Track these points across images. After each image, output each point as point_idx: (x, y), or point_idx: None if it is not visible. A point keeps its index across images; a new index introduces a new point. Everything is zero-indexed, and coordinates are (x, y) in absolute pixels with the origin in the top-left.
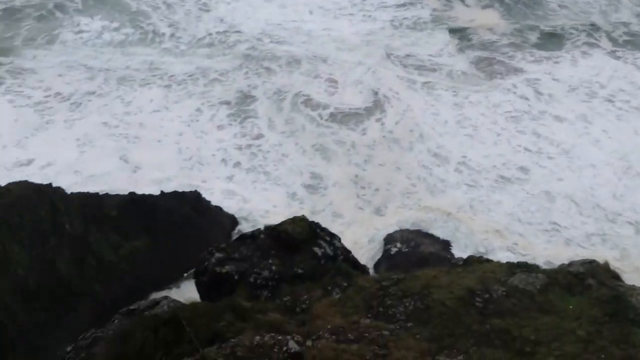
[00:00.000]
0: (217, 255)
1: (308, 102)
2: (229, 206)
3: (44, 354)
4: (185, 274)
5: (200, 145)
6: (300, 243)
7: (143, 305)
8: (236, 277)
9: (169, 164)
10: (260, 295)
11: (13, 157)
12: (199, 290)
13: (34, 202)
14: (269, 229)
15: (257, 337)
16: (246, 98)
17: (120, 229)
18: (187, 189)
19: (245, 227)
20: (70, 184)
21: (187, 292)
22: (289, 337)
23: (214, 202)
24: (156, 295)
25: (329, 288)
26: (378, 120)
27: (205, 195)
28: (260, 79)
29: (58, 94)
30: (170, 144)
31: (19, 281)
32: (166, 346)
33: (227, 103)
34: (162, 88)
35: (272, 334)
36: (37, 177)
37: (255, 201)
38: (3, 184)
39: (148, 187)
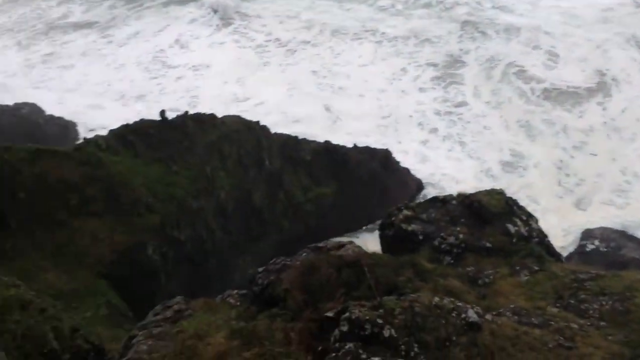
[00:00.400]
0: (405, 212)
1: (521, 73)
2: (418, 169)
3: (231, 270)
4: (364, 227)
5: (399, 104)
6: (493, 216)
7: (330, 244)
8: (420, 238)
9: (367, 119)
10: (442, 260)
11: (232, 93)
12: (381, 243)
13: (243, 136)
14: (462, 197)
15: (436, 299)
16: (455, 62)
17: (311, 173)
18: (380, 146)
19: (430, 193)
20: (275, 123)
21: (364, 243)
22: (469, 305)
23: (404, 164)
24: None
25: (517, 268)
26: (600, 104)
27: (397, 155)
28: (474, 43)
29: (277, 39)
30: (372, 100)
31: (221, 203)
32: (347, 286)
33: (434, 65)
34: (373, 44)
35: (452, 299)
36: (249, 113)
37: (446, 170)
38: (220, 115)
39: (344, 137)
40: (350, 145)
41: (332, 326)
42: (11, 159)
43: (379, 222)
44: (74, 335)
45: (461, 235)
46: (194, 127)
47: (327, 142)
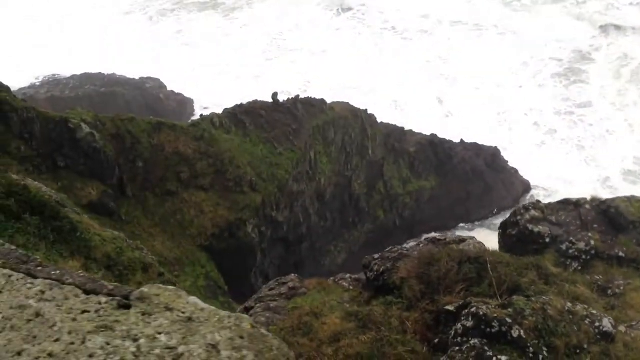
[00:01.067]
0: (533, 212)
1: None
2: (529, 171)
3: (322, 254)
4: (461, 224)
5: (515, 100)
6: (629, 224)
7: (450, 237)
8: (547, 240)
9: (479, 114)
10: (568, 266)
11: (344, 79)
12: (501, 243)
13: (349, 123)
14: (597, 201)
15: (569, 304)
16: (582, 59)
17: (413, 166)
18: (490, 144)
19: (538, 196)
20: (384, 112)
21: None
22: (604, 315)
23: (514, 164)
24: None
25: None
26: None
27: (507, 154)
28: (606, 40)
29: (393, 27)
30: (486, 94)
31: (320, 188)
32: (467, 282)
33: (558, 60)
34: (493, 36)
35: (585, 306)
36: (358, 100)
37: (560, 176)
38: (329, 101)
39: (453, 131)
40: (457, 140)
41: (451, 320)
42: (134, 129)
43: (477, 222)
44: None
45: (592, 242)
46: (303, 111)
47: (433, 136)
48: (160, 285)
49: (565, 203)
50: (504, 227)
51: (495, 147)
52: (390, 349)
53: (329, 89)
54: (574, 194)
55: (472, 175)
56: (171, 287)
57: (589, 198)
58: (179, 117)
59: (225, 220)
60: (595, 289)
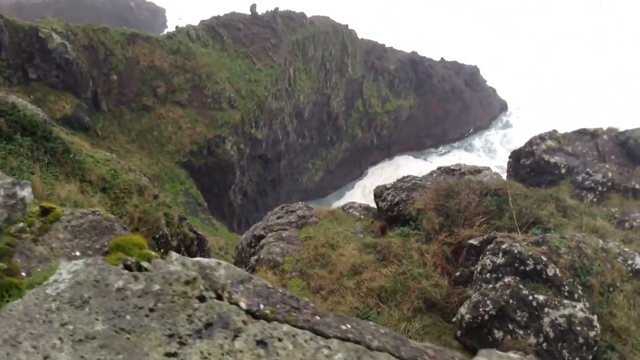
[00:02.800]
0: (549, 142)
1: None
2: (507, 91)
3: (300, 172)
4: (440, 147)
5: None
6: None
7: (465, 167)
8: (563, 171)
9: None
10: (584, 197)
11: None
12: (510, 171)
13: (329, 38)
14: (615, 131)
15: (601, 242)
16: None
17: (392, 84)
18: (471, 62)
19: (510, 118)
20: (366, 26)
21: (448, 162)
22: (634, 252)
23: (492, 83)
24: (409, 154)
25: None
26: None
27: (485, 72)
28: None
29: None
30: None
31: (298, 106)
32: (487, 214)
33: None
34: None
35: (617, 243)
36: (341, 14)
37: (546, 97)
38: (310, 14)
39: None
40: (438, 58)
41: (473, 254)
42: (107, 40)
43: (454, 142)
44: (181, 223)
45: (609, 173)
46: (283, 24)
47: (413, 53)
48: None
49: (582, 133)
50: (515, 156)
51: (475, 65)
52: (414, 282)
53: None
54: (556, 116)
55: (451, 94)
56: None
57: (605, 128)
58: (150, 27)
59: (203, 137)
60: (614, 222)
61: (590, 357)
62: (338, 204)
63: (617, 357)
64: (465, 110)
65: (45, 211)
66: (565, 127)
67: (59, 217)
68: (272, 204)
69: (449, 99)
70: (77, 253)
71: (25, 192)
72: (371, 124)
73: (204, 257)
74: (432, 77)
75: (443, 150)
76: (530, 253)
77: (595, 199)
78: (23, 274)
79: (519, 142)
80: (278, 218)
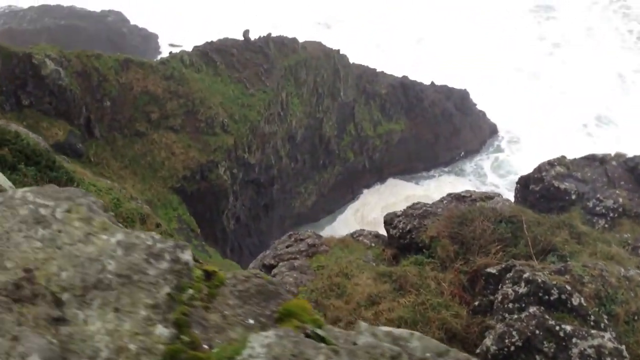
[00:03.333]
0: (558, 168)
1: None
2: (496, 115)
3: (293, 196)
4: (432, 171)
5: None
6: None
7: (475, 194)
8: (573, 197)
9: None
10: (595, 224)
11: (318, 16)
12: (518, 197)
13: (321, 63)
14: (623, 157)
15: (622, 270)
16: None
17: (384, 108)
18: (461, 86)
19: (500, 140)
20: (359, 52)
21: (440, 186)
22: None
23: (482, 106)
24: (400, 178)
25: None
26: None
27: (476, 97)
28: None
29: None
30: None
31: (291, 130)
32: (502, 242)
33: None
34: None
35: (638, 271)
36: (333, 40)
37: (533, 120)
38: (302, 40)
39: (423, 74)
40: (428, 82)
41: (492, 282)
42: (101, 66)
43: (444, 167)
44: None
45: (620, 199)
46: (275, 49)
47: (404, 77)
48: None
49: (591, 159)
50: (523, 182)
51: (465, 89)
52: (434, 313)
53: (300, 26)
54: (548, 139)
55: (441, 117)
56: None
57: (613, 154)
58: (143, 53)
59: (196, 162)
60: (627, 248)
61: None
62: (331, 227)
63: None
64: (455, 133)
65: (208, 275)
66: (556, 149)
67: (223, 282)
68: (265, 229)
69: (440, 123)
70: (251, 321)
71: (187, 256)
72: (363, 147)
73: None
74: (422, 101)
75: (435, 174)
76: (554, 282)
77: (606, 225)
78: (205, 346)
79: (509, 168)
80: (287, 247)
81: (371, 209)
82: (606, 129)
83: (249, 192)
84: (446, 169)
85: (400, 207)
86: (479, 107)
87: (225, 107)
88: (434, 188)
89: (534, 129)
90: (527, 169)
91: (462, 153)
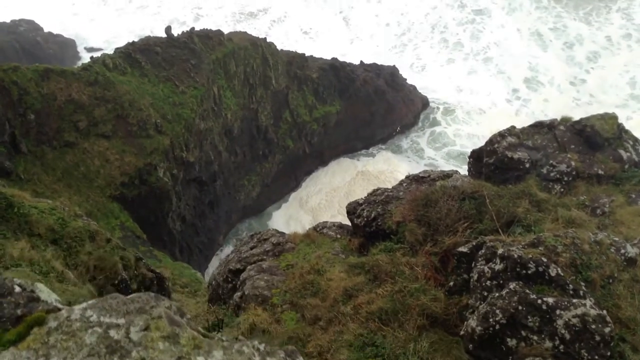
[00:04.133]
0: (510, 139)
1: None
2: (426, 87)
3: (237, 190)
4: (370, 149)
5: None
6: (604, 142)
7: (434, 174)
8: (527, 165)
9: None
10: (551, 189)
11: (240, 5)
12: (472, 171)
13: (249, 53)
14: (570, 121)
15: (590, 234)
16: None
17: (317, 92)
18: (396, 63)
19: (435, 112)
20: (288, 38)
21: (380, 163)
22: (623, 241)
23: (412, 81)
24: (342, 159)
25: (633, 196)
26: (623, 10)
27: (408, 71)
28: None
29: None
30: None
31: (227, 124)
32: (468, 219)
33: None
34: None
35: (606, 234)
36: (257, 29)
37: (467, 88)
38: (226, 31)
39: (357, 55)
40: (357, 62)
41: (464, 262)
42: (19, 79)
43: (381, 144)
44: (138, 264)
45: (573, 163)
46: (201, 44)
47: (334, 59)
48: None
49: (539, 126)
50: (475, 155)
51: (394, 65)
52: (412, 299)
53: (223, 17)
54: (480, 106)
55: (375, 96)
56: None
57: (559, 118)
58: (61, 61)
59: (133, 167)
60: (586, 210)
61: (609, 354)
62: (278, 215)
63: (629, 348)
64: (390, 110)
65: None
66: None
67: None
68: (212, 226)
69: (374, 101)
70: None
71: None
72: (301, 133)
73: (165, 295)
74: (354, 81)
75: (374, 152)
76: (530, 256)
77: (562, 190)
78: None
79: (446, 140)
80: (252, 248)
81: (315, 195)
82: (536, 90)
83: (192, 191)
84: (383, 147)
85: (344, 190)
86: (409, 81)
87: (156, 107)
88: (374, 166)
89: (465, 97)
90: (462, 139)
91: (398, 128)
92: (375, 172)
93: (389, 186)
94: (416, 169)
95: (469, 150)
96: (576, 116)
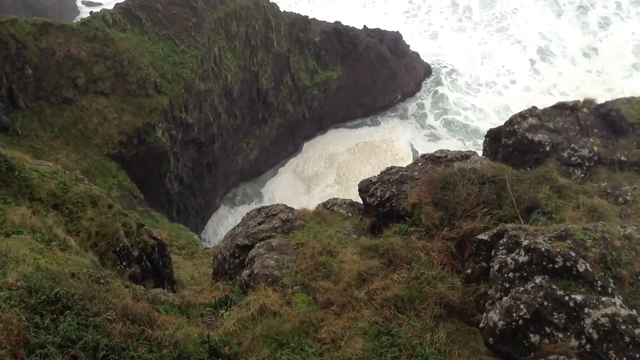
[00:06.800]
0: (531, 120)
1: None
2: (437, 54)
3: (235, 153)
4: (371, 116)
5: None
6: (629, 127)
7: (451, 154)
8: (547, 149)
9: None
10: (571, 174)
11: None
12: (489, 152)
13: (251, 13)
14: (594, 104)
15: (619, 228)
16: None
17: (319, 56)
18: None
19: (439, 79)
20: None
21: (380, 132)
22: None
23: (416, 48)
24: (341, 129)
25: None
26: None
27: (412, 38)
28: None
29: None
30: None
31: (227, 86)
32: (488, 204)
33: None
34: None
35: (635, 227)
36: None
37: (477, 61)
38: None
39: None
40: (360, 26)
41: (483, 249)
42: (17, 33)
43: (388, 111)
44: (139, 231)
45: (595, 148)
46: (202, 2)
47: (337, 23)
48: None
49: (561, 107)
50: (493, 135)
51: (397, 31)
52: (429, 287)
53: None
54: (492, 78)
55: (377, 62)
56: None
57: (582, 100)
58: (59, 14)
59: (132, 126)
60: (607, 198)
61: (638, 355)
62: (273, 181)
63: None
64: (392, 77)
65: None
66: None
67: None
68: (209, 188)
69: (376, 67)
70: None
71: None
72: (301, 98)
73: (165, 262)
74: (357, 47)
75: (379, 120)
76: (558, 250)
77: (583, 175)
78: None
79: (448, 106)
80: (260, 224)
81: (313, 163)
82: (552, 63)
83: (190, 153)
84: (392, 114)
85: (343, 157)
86: (419, 49)
87: (156, 66)
88: (376, 134)
89: (476, 67)
90: (468, 111)
91: (399, 96)
92: (378, 141)
93: (389, 156)
94: (418, 137)
95: (473, 124)
96: (587, 90)
